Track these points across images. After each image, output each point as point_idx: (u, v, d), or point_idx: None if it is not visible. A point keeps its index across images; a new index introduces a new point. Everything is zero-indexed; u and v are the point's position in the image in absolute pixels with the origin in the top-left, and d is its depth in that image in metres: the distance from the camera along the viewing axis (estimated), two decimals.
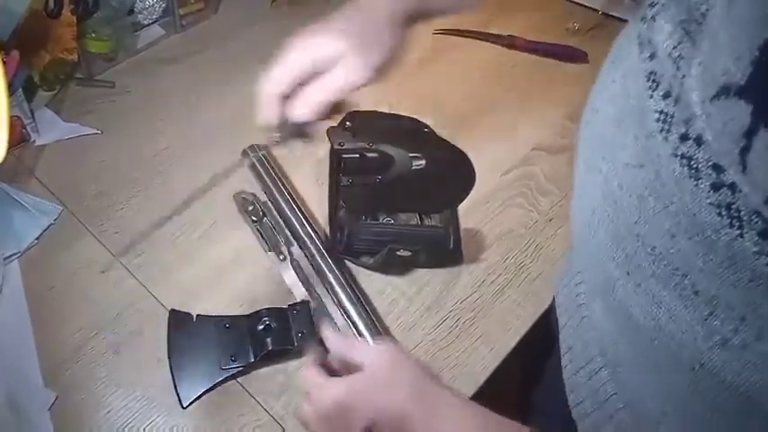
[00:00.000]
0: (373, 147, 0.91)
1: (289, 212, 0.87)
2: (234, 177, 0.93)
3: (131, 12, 1.06)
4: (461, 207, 0.92)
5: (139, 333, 0.78)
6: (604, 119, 0.41)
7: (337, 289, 0.80)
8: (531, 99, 1.10)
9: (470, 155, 0.88)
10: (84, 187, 0.90)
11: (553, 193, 0.97)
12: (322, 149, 0.97)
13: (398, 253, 0.80)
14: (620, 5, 1.23)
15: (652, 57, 0.36)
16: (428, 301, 0.84)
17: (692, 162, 0.32)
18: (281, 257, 0.84)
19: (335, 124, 0.90)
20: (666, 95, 0.34)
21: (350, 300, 0.79)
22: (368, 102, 1.05)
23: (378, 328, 0.78)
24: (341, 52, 0.57)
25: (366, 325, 0.77)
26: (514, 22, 1.22)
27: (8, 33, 0.87)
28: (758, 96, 0.28)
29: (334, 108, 0.57)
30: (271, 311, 0.76)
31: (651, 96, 0.35)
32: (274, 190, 0.89)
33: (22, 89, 0.91)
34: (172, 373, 0.74)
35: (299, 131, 0.57)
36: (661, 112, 0.34)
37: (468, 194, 0.90)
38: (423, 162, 0.85)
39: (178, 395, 0.73)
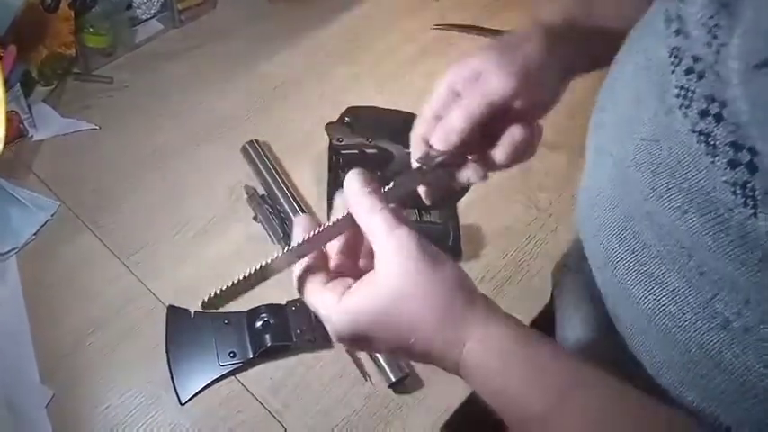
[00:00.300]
0: (372, 142, 0.91)
1: (288, 208, 0.87)
2: (233, 173, 0.93)
3: (129, 6, 1.05)
4: (461, 203, 0.91)
5: (137, 329, 0.77)
6: (622, 97, 0.41)
7: None
8: None
9: None
10: (82, 183, 0.90)
11: (552, 190, 0.97)
12: (321, 145, 0.96)
13: None
14: None
15: (678, 32, 0.36)
16: None
17: (710, 139, 0.32)
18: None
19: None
20: (689, 71, 0.34)
21: None
22: (366, 97, 1.05)
23: None
24: (477, 70, 0.49)
25: None
26: (513, 16, 1.22)
27: (5, 28, 0.86)
28: None
29: (487, 131, 0.49)
30: (269, 308, 0.76)
31: (673, 72, 0.35)
32: (273, 186, 0.89)
33: (20, 84, 0.90)
34: (170, 369, 0.74)
35: (442, 163, 0.50)
36: (682, 87, 0.34)
37: (467, 191, 0.90)
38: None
39: (176, 392, 0.73)
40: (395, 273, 0.40)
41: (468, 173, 0.50)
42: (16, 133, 0.92)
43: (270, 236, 0.86)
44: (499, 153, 0.49)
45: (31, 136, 0.94)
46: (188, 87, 1.03)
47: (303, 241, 0.44)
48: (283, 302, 0.76)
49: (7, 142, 0.83)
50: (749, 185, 0.31)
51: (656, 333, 0.41)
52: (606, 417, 0.39)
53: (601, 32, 0.51)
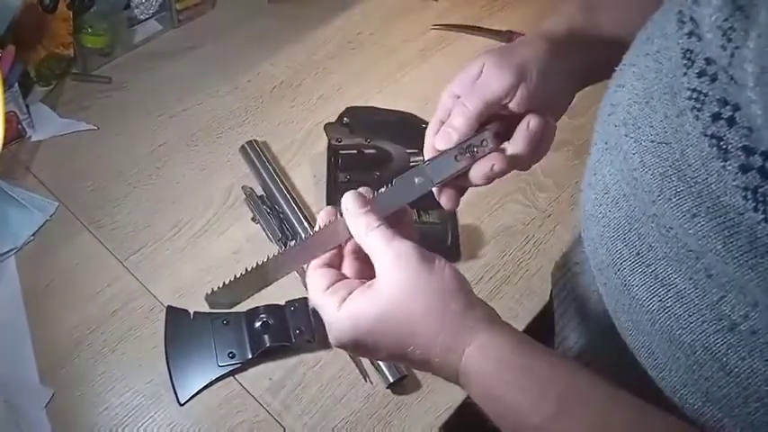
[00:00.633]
0: (371, 143, 0.91)
1: (286, 209, 0.87)
2: (231, 173, 0.93)
3: (128, 6, 1.05)
4: (459, 203, 0.91)
5: (136, 330, 0.77)
6: (631, 95, 0.41)
7: None
8: None
9: None
10: (81, 183, 0.90)
11: (551, 189, 0.97)
12: (320, 146, 0.96)
13: None
14: None
15: (691, 34, 0.36)
16: None
17: (722, 142, 0.32)
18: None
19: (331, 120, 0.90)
20: (702, 74, 0.34)
21: None
22: (365, 98, 1.05)
23: None
24: (476, 73, 0.50)
25: None
26: (512, 16, 1.22)
27: (4, 28, 0.86)
28: None
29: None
30: (268, 308, 0.76)
31: (685, 74, 0.35)
32: (272, 186, 0.89)
33: (18, 84, 0.90)
34: (169, 369, 0.74)
35: (450, 169, 0.48)
36: (694, 90, 0.34)
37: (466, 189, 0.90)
38: (420, 158, 0.85)
39: (175, 392, 0.73)
40: (393, 282, 0.41)
41: (477, 171, 0.50)
42: (14, 134, 0.92)
43: (268, 236, 0.86)
44: (515, 142, 0.50)
45: (30, 136, 0.94)
46: (187, 87, 1.03)
47: (298, 243, 0.46)
48: (282, 303, 0.76)
49: (5, 143, 0.83)
50: (760, 190, 0.31)
51: (659, 335, 0.41)
52: (603, 425, 0.39)
53: (605, 41, 0.52)
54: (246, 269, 0.46)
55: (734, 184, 0.32)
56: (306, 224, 0.86)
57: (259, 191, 0.91)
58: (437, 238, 0.86)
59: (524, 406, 0.40)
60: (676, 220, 0.36)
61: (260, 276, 0.46)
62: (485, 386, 0.41)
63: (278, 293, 0.78)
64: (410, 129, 0.96)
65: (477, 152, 0.49)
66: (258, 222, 0.87)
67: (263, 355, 0.75)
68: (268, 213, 0.87)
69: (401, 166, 0.86)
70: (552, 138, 0.51)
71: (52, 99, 0.99)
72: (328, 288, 0.44)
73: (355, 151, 0.91)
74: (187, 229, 0.87)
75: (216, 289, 0.46)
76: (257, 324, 0.75)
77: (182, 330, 0.77)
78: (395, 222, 0.47)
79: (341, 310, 0.43)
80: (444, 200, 0.51)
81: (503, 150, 0.50)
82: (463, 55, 1.15)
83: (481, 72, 0.49)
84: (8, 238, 0.82)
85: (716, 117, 0.33)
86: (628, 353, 0.46)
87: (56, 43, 0.95)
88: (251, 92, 1.05)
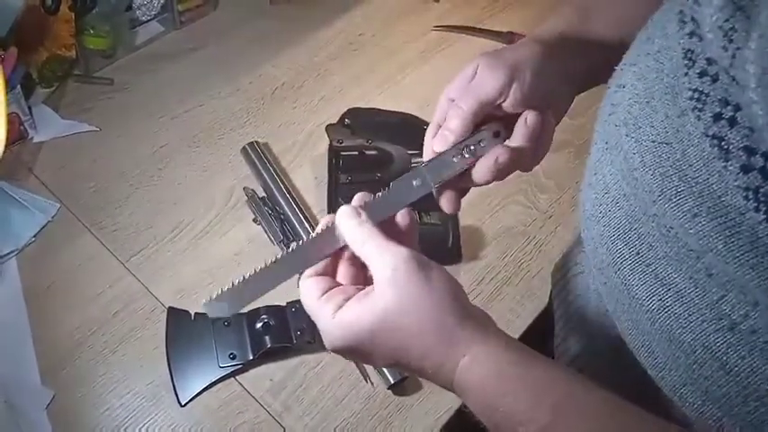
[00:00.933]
0: (372, 144, 0.91)
1: (288, 210, 0.87)
2: (233, 175, 0.93)
3: (129, 8, 1.05)
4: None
5: (137, 331, 0.77)
6: (631, 95, 0.41)
7: None
8: None
9: None
10: (83, 184, 0.90)
11: (552, 191, 0.97)
12: (321, 147, 0.96)
13: None
14: None
15: (692, 34, 0.36)
16: None
17: (723, 143, 0.32)
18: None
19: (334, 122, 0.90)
20: (703, 74, 0.34)
21: None
22: (367, 99, 1.05)
23: None
24: (470, 75, 0.50)
25: None
26: (513, 17, 1.22)
27: (6, 30, 0.86)
28: None
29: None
30: (269, 309, 0.76)
31: (686, 74, 0.35)
32: (273, 188, 0.89)
33: (20, 86, 0.90)
34: (170, 371, 0.74)
35: (447, 169, 0.49)
36: (695, 90, 0.34)
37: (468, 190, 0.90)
38: (422, 159, 0.85)
39: (176, 393, 0.73)
40: (388, 296, 0.41)
41: (481, 167, 0.50)
42: (17, 135, 0.92)
43: (270, 237, 0.86)
44: (514, 139, 0.50)
45: (32, 138, 0.94)
46: (188, 89, 1.03)
47: (294, 250, 0.46)
48: (283, 304, 0.76)
49: (8, 144, 0.83)
50: (762, 190, 0.31)
51: (659, 334, 0.41)
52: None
53: (598, 43, 0.52)
54: (243, 277, 0.46)
55: (735, 184, 0.32)
56: (307, 225, 0.86)
57: (260, 192, 0.91)
58: (438, 239, 0.86)
59: (520, 415, 0.40)
60: (677, 219, 0.36)
61: (257, 284, 0.46)
62: (480, 396, 0.41)
63: (279, 294, 0.77)
64: (411, 130, 0.96)
65: (475, 151, 0.49)
66: (259, 224, 0.87)
67: (264, 356, 0.75)
68: (269, 215, 0.87)
69: (402, 167, 0.86)
70: (551, 135, 0.52)
71: (54, 100, 0.99)
72: (322, 295, 0.44)
73: (356, 152, 0.91)
74: (188, 231, 0.87)
75: (212, 298, 0.46)
76: (258, 325, 0.75)
77: (183, 331, 0.77)
78: (394, 226, 0.47)
79: (336, 317, 0.42)
80: (445, 203, 0.51)
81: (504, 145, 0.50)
82: (464, 56, 1.15)
83: (475, 73, 0.50)
84: (10, 239, 0.82)
85: (717, 117, 0.33)
86: (627, 353, 0.46)
87: (58, 45, 0.96)
88: (252, 93, 1.05)
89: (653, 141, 0.38)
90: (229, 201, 0.91)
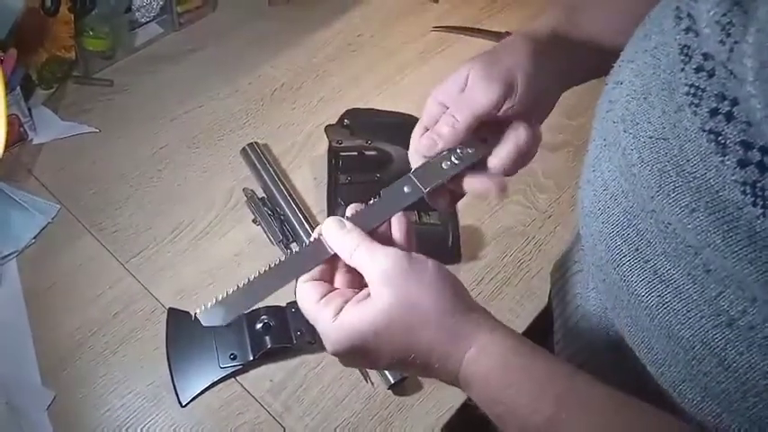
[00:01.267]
0: (371, 144, 0.91)
1: (287, 211, 0.87)
2: (232, 176, 0.93)
3: (129, 9, 1.05)
4: (460, 204, 0.91)
5: (138, 332, 0.78)
6: (629, 91, 0.41)
7: None
8: None
9: None
10: (82, 186, 0.90)
11: (552, 190, 0.97)
12: (320, 148, 0.97)
13: None
14: None
15: (688, 30, 0.36)
16: None
17: (720, 137, 0.32)
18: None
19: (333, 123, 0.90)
20: (699, 69, 0.34)
21: None
22: (366, 99, 1.05)
23: None
24: (463, 82, 0.50)
25: None
26: (511, 18, 1.22)
27: (5, 31, 0.86)
28: None
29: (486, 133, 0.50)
30: (269, 310, 0.76)
31: (683, 69, 0.35)
32: (273, 189, 0.89)
33: (20, 87, 0.91)
34: (171, 371, 0.74)
35: (437, 176, 0.49)
36: (692, 85, 0.34)
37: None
38: None
39: (177, 394, 0.73)
40: (384, 298, 0.42)
41: (471, 187, 0.51)
42: (16, 137, 0.92)
43: (270, 238, 0.86)
44: (502, 152, 0.50)
45: (32, 139, 0.94)
46: (188, 90, 1.04)
47: (288, 258, 0.46)
48: (283, 304, 0.77)
49: (7, 145, 0.83)
50: (759, 185, 0.31)
51: (658, 330, 0.41)
52: (603, 423, 0.39)
53: (587, 41, 0.53)
54: (238, 285, 0.45)
55: (732, 178, 0.32)
56: (306, 226, 0.86)
57: (260, 193, 0.91)
58: (438, 239, 0.86)
59: (524, 406, 0.40)
60: (675, 215, 0.36)
61: (251, 292, 0.46)
62: (485, 388, 0.42)
63: (279, 295, 0.77)
64: (410, 130, 0.94)
65: (463, 156, 0.49)
66: (259, 224, 0.87)
67: (265, 357, 0.75)
68: (269, 215, 0.87)
69: (402, 168, 0.86)
70: (538, 145, 0.52)
71: (54, 102, 0.99)
72: (321, 299, 0.44)
73: (356, 153, 0.91)
74: (188, 232, 0.87)
75: (206, 306, 0.45)
76: (258, 326, 0.75)
77: (183, 332, 0.77)
78: (389, 232, 0.47)
79: (336, 321, 0.43)
80: (439, 205, 0.52)
81: (491, 168, 0.51)
82: (463, 57, 1.14)
83: (467, 81, 0.50)
84: (10, 240, 0.82)
85: (714, 112, 0.33)
86: (626, 350, 0.46)
87: (57, 46, 0.96)
88: (252, 94, 1.05)
89: (650, 137, 0.38)
90: (229, 201, 0.91)
